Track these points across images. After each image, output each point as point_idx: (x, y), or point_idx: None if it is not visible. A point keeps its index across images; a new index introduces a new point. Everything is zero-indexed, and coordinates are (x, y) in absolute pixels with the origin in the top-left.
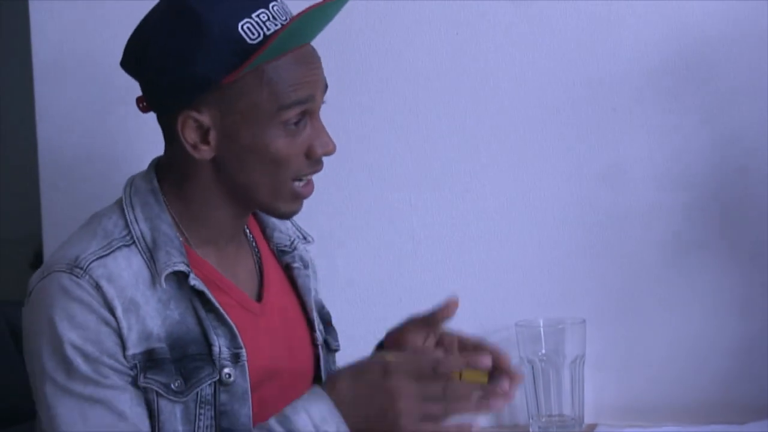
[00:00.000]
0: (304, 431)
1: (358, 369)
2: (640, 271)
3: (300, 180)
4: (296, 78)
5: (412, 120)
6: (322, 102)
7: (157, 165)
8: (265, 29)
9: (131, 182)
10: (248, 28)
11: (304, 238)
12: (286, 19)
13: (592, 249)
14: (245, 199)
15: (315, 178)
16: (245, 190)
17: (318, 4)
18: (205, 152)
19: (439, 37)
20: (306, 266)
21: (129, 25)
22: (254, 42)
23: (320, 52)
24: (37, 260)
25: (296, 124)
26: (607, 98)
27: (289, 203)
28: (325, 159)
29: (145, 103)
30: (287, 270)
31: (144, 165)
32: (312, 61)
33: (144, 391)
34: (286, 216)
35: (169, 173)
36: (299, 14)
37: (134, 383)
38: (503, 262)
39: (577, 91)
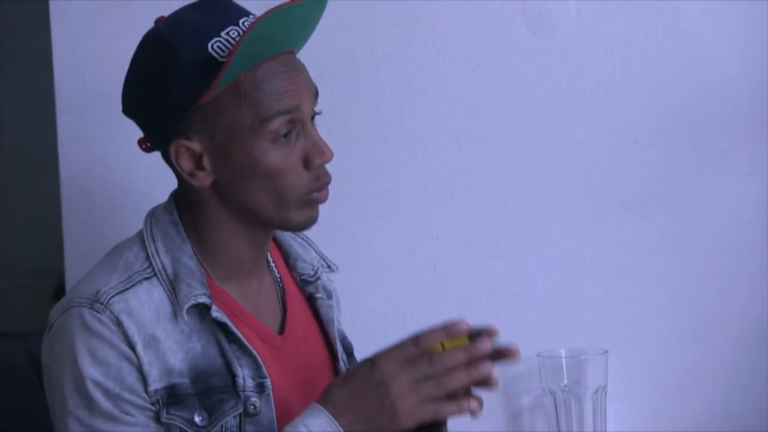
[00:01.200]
0: None
1: (346, 374)
2: (662, 301)
3: (307, 195)
4: (276, 88)
5: (432, 151)
6: (314, 111)
7: (177, 198)
8: (234, 44)
9: (152, 214)
10: (218, 46)
11: (329, 267)
12: None
13: (615, 280)
14: (255, 220)
15: (336, 203)
16: (251, 209)
17: (277, 8)
18: (203, 178)
19: (459, 68)
20: (329, 296)
21: None
22: (224, 58)
23: (338, 84)
24: (59, 291)
25: (286, 135)
26: (628, 128)
27: (302, 212)
28: (346, 191)
29: (147, 144)
30: (310, 300)
31: (168, 194)
32: (292, 68)
33: (167, 427)
34: (303, 226)
35: (184, 206)
36: (258, 18)
37: (157, 419)
38: (525, 292)
39: (596, 120)
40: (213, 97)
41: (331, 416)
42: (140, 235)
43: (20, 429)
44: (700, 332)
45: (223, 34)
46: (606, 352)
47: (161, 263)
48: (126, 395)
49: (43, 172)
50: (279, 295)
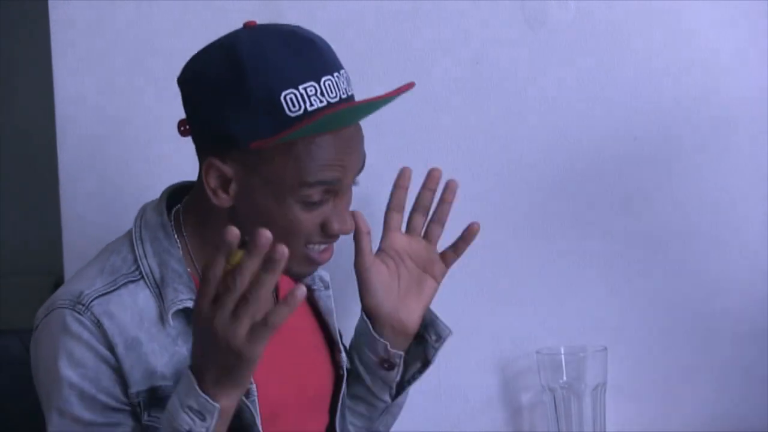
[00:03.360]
0: (172, 409)
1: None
2: (661, 298)
3: (314, 244)
4: (327, 159)
5: (430, 148)
6: (354, 183)
7: (170, 196)
8: (307, 104)
9: (142, 213)
10: (291, 99)
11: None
12: (336, 96)
13: (614, 277)
14: None
15: None
16: None
17: (373, 99)
18: (224, 200)
19: (459, 67)
20: (327, 287)
21: (150, 56)
22: (293, 114)
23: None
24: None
25: (318, 201)
26: (628, 126)
27: (302, 266)
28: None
29: (185, 127)
30: (307, 292)
31: None
32: (351, 144)
33: (147, 430)
34: (296, 277)
35: (193, 209)
36: (348, 104)
37: (137, 417)
38: (524, 290)
39: (596, 119)
40: (265, 146)
41: (191, 375)
42: (129, 236)
43: (18, 423)
44: (700, 330)
45: (300, 87)
46: (605, 349)
47: (149, 266)
48: (102, 397)
49: (41, 170)
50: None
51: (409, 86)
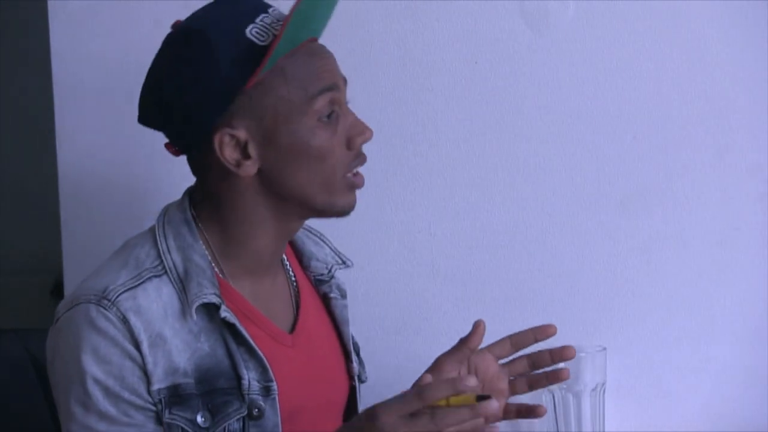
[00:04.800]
0: None
1: (348, 424)
2: (661, 298)
3: (348, 172)
4: (315, 69)
5: (431, 147)
6: (346, 98)
7: (191, 195)
8: (272, 30)
9: (165, 211)
10: (257, 31)
11: (343, 263)
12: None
13: (613, 276)
14: (296, 207)
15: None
16: (298, 194)
17: None
18: (249, 167)
19: (458, 66)
20: (344, 296)
21: (149, 53)
22: (265, 43)
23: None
24: (57, 288)
25: (329, 116)
26: (626, 125)
27: (346, 196)
28: None
29: (175, 148)
30: (324, 300)
31: (166, 192)
32: (324, 53)
33: (168, 428)
34: (345, 211)
35: (206, 204)
36: (299, 1)
37: (158, 419)
38: (523, 289)
39: (595, 118)
40: (258, 80)
41: None
42: (152, 231)
43: (18, 423)
44: (699, 329)
45: (257, 20)
46: (605, 349)
47: (172, 261)
48: (126, 395)
49: (41, 169)
50: (292, 295)
51: None
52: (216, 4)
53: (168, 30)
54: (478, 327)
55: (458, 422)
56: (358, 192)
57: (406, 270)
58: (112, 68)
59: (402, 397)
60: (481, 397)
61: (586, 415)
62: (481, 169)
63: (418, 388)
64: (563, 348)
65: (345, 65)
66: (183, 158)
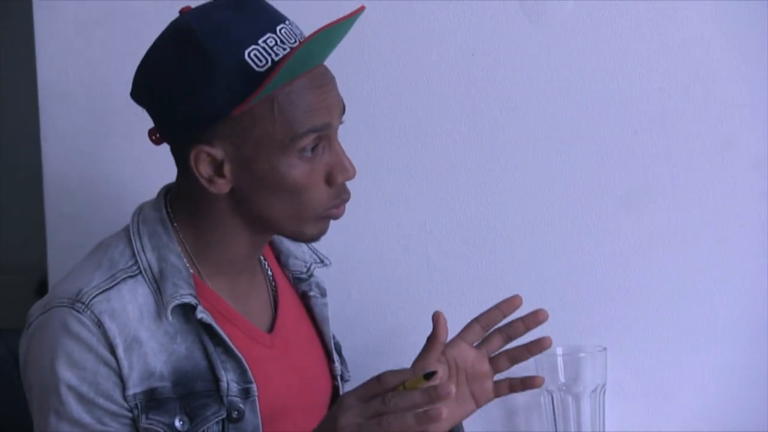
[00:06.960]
0: None
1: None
2: (662, 297)
3: (327, 209)
4: (310, 104)
5: (426, 143)
6: (340, 123)
7: (168, 193)
8: (273, 55)
9: (140, 210)
10: (255, 55)
11: (321, 262)
12: (295, 42)
13: (613, 275)
14: (267, 229)
15: None
16: (265, 219)
17: (327, 26)
18: (222, 185)
19: (454, 59)
20: (323, 294)
21: (135, 48)
22: (262, 69)
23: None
24: (41, 287)
25: (313, 150)
26: (628, 120)
27: (315, 226)
28: None
29: (157, 135)
30: (304, 298)
31: (151, 190)
32: (325, 83)
33: None
34: (314, 239)
35: (182, 204)
36: (308, 38)
37: (135, 426)
38: (521, 287)
39: (596, 112)
40: (246, 108)
41: None
42: (126, 231)
43: (1, 423)
44: (700, 329)
45: (260, 41)
46: (605, 349)
47: (147, 261)
48: (100, 401)
49: (25, 166)
50: (270, 294)
51: (360, 9)
52: (227, 7)
53: (155, 28)
54: (438, 319)
55: (409, 405)
56: (351, 186)
57: (399, 266)
58: (98, 64)
59: (367, 381)
60: (428, 375)
61: (585, 416)
62: (479, 163)
63: (382, 372)
64: (535, 312)
65: (339, 59)
66: (169, 159)
